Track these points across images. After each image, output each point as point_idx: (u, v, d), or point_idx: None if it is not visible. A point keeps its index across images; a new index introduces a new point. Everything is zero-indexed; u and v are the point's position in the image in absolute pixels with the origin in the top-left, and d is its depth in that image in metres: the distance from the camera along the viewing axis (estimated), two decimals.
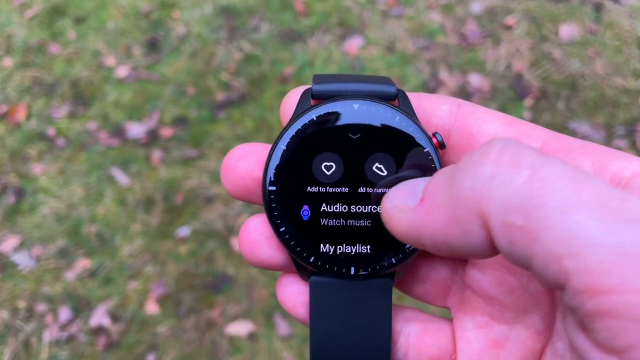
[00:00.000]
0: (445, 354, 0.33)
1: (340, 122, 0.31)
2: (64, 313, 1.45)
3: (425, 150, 0.31)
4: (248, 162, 0.33)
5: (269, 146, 0.32)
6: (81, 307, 1.46)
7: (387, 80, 0.33)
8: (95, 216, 1.59)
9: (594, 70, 1.76)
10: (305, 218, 0.32)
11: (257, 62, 1.85)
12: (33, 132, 1.77)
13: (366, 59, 1.83)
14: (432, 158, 0.31)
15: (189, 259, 1.50)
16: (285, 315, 1.39)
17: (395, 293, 0.34)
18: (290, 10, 1.96)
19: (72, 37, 1.97)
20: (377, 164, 0.31)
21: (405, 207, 0.25)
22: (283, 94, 1.86)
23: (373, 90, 0.32)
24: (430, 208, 0.23)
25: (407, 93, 0.32)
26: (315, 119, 0.31)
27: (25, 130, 1.77)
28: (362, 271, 0.32)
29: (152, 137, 1.72)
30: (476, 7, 1.92)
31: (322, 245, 0.32)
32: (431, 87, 1.76)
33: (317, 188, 0.32)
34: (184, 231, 1.54)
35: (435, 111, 0.32)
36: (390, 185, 0.29)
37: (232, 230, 1.53)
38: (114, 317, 1.44)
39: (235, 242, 1.51)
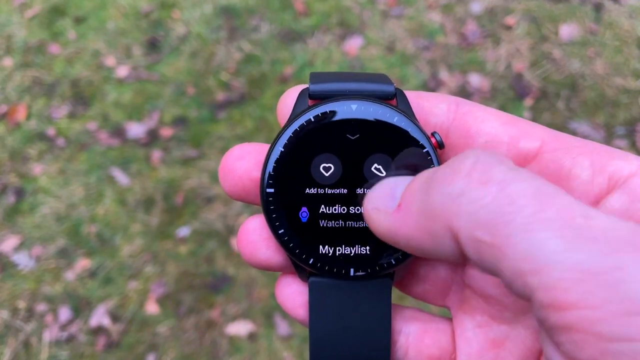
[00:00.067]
0: (445, 353, 0.33)
1: (339, 123, 0.31)
2: (64, 313, 1.45)
3: (424, 151, 0.31)
4: (246, 163, 0.32)
5: (267, 146, 0.32)
6: (81, 307, 1.46)
7: (384, 79, 0.33)
8: (95, 216, 1.59)
9: (594, 70, 1.76)
10: (304, 220, 0.32)
11: (257, 62, 1.85)
12: (33, 132, 1.77)
13: (366, 59, 1.83)
14: (431, 158, 0.31)
15: (189, 259, 1.50)
16: (285, 315, 1.39)
17: (396, 293, 0.34)
18: (290, 10, 1.96)
19: (72, 37, 1.97)
20: (375, 165, 0.31)
21: (385, 209, 0.25)
22: (283, 94, 1.86)
23: (371, 89, 0.32)
24: (405, 215, 0.24)
25: (406, 91, 0.32)
26: (313, 120, 0.31)
27: (25, 130, 1.77)
28: (362, 272, 0.32)
29: (152, 137, 1.72)
30: (476, 7, 1.92)
31: (321, 246, 0.32)
32: (431, 87, 1.76)
33: (315, 190, 0.31)
34: (184, 231, 1.54)
35: (434, 110, 0.32)
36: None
37: (232, 230, 1.53)
38: (114, 317, 1.44)
39: (235, 242, 1.51)
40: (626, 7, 1.87)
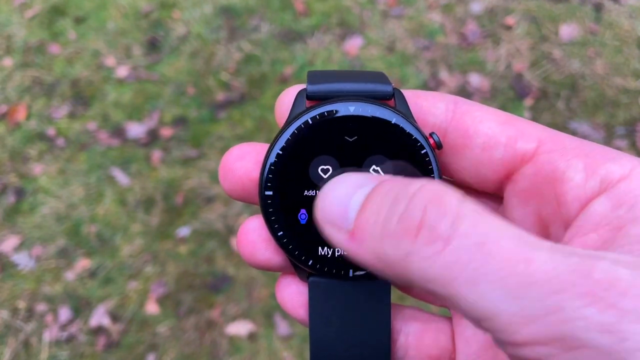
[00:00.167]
0: (445, 352, 0.33)
1: (337, 124, 0.31)
2: (64, 313, 1.45)
3: (422, 152, 0.31)
4: (246, 163, 0.32)
5: (267, 146, 0.32)
6: (81, 307, 1.46)
7: (382, 79, 0.32)
8: (95, 216, 1.59)
9: (594, 70, 1.76)
10: (303, 222, 0.32)
11: (257, 62, 1.85)
12: (33, 132, 1.77)
13: (366, 59, 1.83)
14: (429, 159, 0.31)
15: (189, 259, 1.50)
16: (285, 315, 1.39)
17: (396, 292, 0.34)
18: (290, 10, 1.96)
19: (72, 37, 1.97)
20: (374, 167, 0.31)
21: (338, 228, 0.25)
22: (281, 93, 1.86)
23: (369, 90, 0.32)
24: (360, 248, 0.24)
25: (404, 91, 0.32)
26: (311, 122, 0.31)
27: (25, 130, 1.77)
28: (361, 272, 0.32)
29: (152, 137, 1.72)
30: (476, 7, 1.92)
31: (320, 248, 0.32)
32: (431, 87, 1.76)
33: (314, 191, 0.31)
34: (184, 231, 1.54)
35: (432, 109, 0.32)
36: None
37: (232, 230, 1.53)
38: (114, 317, 1.44)
39: (235, 242, 1.51)
40: (626, 7, 1.87)
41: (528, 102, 1.71)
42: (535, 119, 1.68)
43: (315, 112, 0.31)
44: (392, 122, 0.30)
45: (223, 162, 0.33)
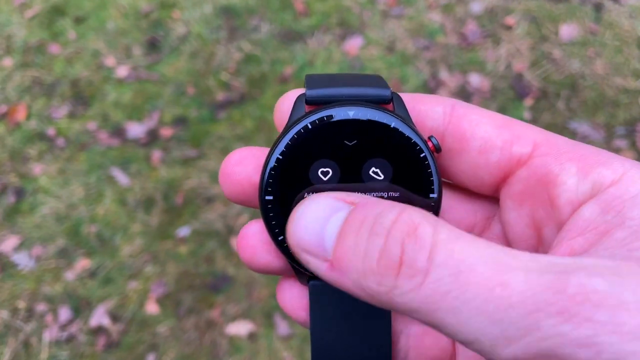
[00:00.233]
0: (446, 354, 0.33)
1: (336, 129, 0.31)
2: (64, 313, 1.45)
3: (422, 155, 0.31)
4: (245, 168, 0.33)
5: (267, 150, 0.32)
6: (81, 307, 1.46)
7: (381, 83, 0.33)
8: (95, 216, 1.59)
9: (594, 70, 1.76)
10: None
11: (257, 62, 1.85)
12: (33, 132, 1.77)
13: (366, 59, 1.83)
14: (428, 162, 0.31)
15: (189, 259, 1.50)
16: (285, 315, 1.38)
17: None
18: (290, 10, 1.96)
19: (72, 37, 1.97)
20: (373, 169, 0.31)
21: (314, 255, 0.26)
22: (283, 94, 1.86)
23: (367, 94, 0.32)
24: (340, 277, 0.25)
25: (402, 94, 0.32)
26: (310, 126, 0.31)
27: (25, 130, 1.77)
28: None
29: (152, 137, 1.72)
30: (476, 7, 1.92)
31: None
32: (431, 87, 1.76)
33: None
34: (184, 231, 1.54)
35: (430, 113, 0.32)
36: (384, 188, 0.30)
37: (232, 230, 1.53)
38: (114, 317, 1.44)
39: (235, 242, 1.51)
40: (626, 7, 1.87)
41: (528, 102, 1.71)
42: (535, 119, 1.68)
43: (314, 117, 0.31)
44: (391, 125, 0.31)
45: (223, 166, 0.33)
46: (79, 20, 2.01)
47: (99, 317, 1.44)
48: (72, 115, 1.80)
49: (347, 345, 0.32)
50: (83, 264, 1.52)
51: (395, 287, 0.23)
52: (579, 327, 0.19)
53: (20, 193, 1.65)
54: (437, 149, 0.31)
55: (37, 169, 1.69)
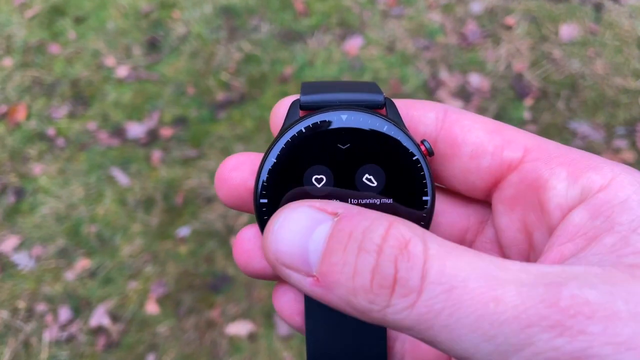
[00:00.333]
0: (441, 358, 0.33)
1: (329, 133, 0.31)
2: (64, 313, 1.45)
3: (414, 159, 0.31)
4: (241, 173, 0.33)
5: (262, 155, 0.32)
6: (81, 307, 1.46)
7: (374, 88, 0.33)
8: (95, 216, 1.59)
9: (594, 70, 1.76)
10: None
11: (257, 62, 1.85)
12: (33, 132, 1.77)
13: (366, 59, 1.83)
14: (421, 166, 0.31)
15: (189, 259, 1.50)
16: None
17: None
18: (290, 10, 1.96)
19: (72, 37, 1.97)
20: (367, 175, 0.31)
21: (296, 270, 0.25)
22: (283, 94, 1.87)
23: (360, 99, 0.32)
24: (327, 293, 0.24)
25: (395, 100, 0.33)
26: (304, 130, 0.31)
27: (25, 130, 1.77)
28: None
29: (152, 137, 1.72)
30: (476, 7, 1.92)
31: None
32: (431, 87, 1.76)
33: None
34: (184, 231, 1.54)
35: (422, 119, 0.33)
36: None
37: (232, 230, 1.53)
38: (114, 317, 1.44)
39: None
40: (626, 7, 1.87)
41: (528, 102, 1.71)
42: (535, 119, 1.68)
43: (308, 121, 0.31)
44: (384, 129, 0.31)
45: (219, 172, 0.33)
46: (79, 20, 2.01)
47: (99, 317, 1.44)
48: (72, 115, 1.80)
49: (343, 350, 0.32)
50: (83, 264, 1.52)
51: (389, 306, 0.23)
52: (573, 340, 0.19)
53: (20, 193, 1.65)
54: (430, 152, 0.31)
55: (37, 169, 1.69)
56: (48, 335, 1.42)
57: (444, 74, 1.78)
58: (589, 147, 1.60)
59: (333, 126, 0.31)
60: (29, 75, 1.90)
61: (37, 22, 2.02)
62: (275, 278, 0.34)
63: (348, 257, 0.24)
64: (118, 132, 1.75)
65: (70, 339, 1.42)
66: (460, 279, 0.22)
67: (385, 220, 0.24)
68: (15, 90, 1.86)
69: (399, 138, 0.31)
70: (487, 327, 0.20)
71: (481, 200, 0.34)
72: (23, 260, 1.53)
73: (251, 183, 0.32)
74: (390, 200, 0.31)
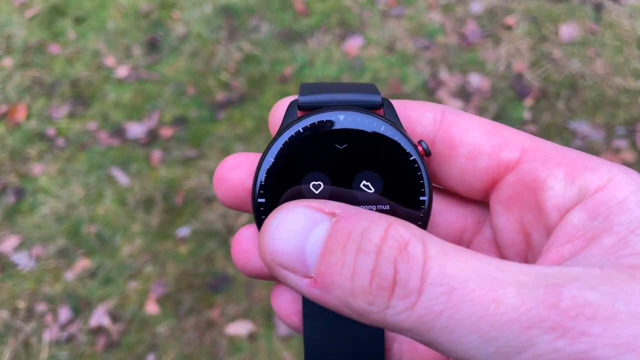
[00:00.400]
0: (439, 359, 0.33)
1: (327, 133, 0.31)
2: (64, 313, 1.45)
3: (411, 159, 0.31)
4: (240, 173, 0.33)
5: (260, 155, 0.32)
6: (81, 307, 1.46)
7: (372, 89, 0.33)
8: (95, 216, 1.59)
9: (594, 70, 1.76)
10: None
11: (257, 62, 1.85)
12: (33, 132, 1.77)
13: (366, 59, 1.83)
14: (418, 166, 0.31)
15: (189, 259, 1.50)
16: None
17: None
18: (290, 10, 1.96)
19: (72, 37, 1.97)
20: (364, 174, 0.31)
21: (293, 270, 0.25)
22: (283, 94, 1.87)
23: (358, 100, 0.32)
24: (325, 294, 0.24)
25: (393, 101, 0.33)
26: (302, 130, 0.31)
27: (25, 130, 1.77)
28: None
29: (152, 137, 1.72)
30: (476, 7, 1.92)
31: None
32: (431, 87, 1.76)
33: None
34: (184, 231, 1.54)
35: (420, 119, 0.33)
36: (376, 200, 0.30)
37: (232, 230, 1.53)
38: (114, 317, 1.44)
39: None
40: (626, 7, 1.87)
41: (528, 102, 1.71)
42: (535, 119, 1.68)
43: (306, 121, 0.31)
44: (381, 129, 0.31)
45: (217, 172, 0.33)
46: (79, 20, 2.01)
47: (99, 317, 1.44)
48: (72, 115, 1.80)
49: (341, 351, 0.32)
50: (83, 264, 1.52)
51: (388, 308, 0.22)
52: (575, 342, 0.19)
53: (20, 193, 1.65)
54: (427, 152, 0.31)
55: (37, 169, 1.69)
56: (48, 335, 1.42)
57: (444, 74, 1.78)
58: (589, 147, 1.60)
59: (331, 126, 0.31)
60: (29, 75, 1.90)
61: (37, 22, 2.02)
62: (274, 278, 0.34)
63: (347, 258, 0.23)
64: (118, 132, 1.75)
65: (70, 339, 1.42)
66: (460, 280, 0.21)
67: (384, 221, 0.24)
68: (15, 90, 1.86)
69: (396, 138, 0.31)
70: (487, 329, 0.20)
71: (479, 200, 0.34)
72: (23, 260, 1.53)
73: (249, 183, 0.32)
74: (387, 201, 0.31)
